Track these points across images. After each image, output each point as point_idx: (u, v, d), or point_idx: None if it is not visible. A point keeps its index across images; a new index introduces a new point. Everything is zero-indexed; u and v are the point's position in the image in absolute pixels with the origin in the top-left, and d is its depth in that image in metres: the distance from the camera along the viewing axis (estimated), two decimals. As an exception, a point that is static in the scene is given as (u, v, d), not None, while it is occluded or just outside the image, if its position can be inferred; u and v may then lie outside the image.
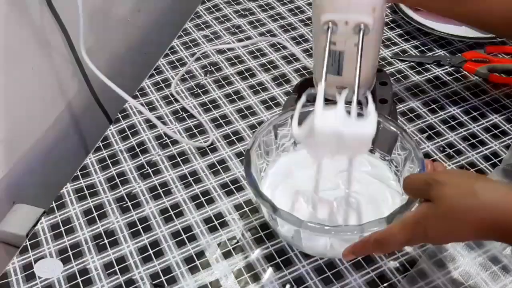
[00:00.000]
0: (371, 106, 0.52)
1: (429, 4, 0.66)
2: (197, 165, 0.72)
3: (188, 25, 0.95)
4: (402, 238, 0.49)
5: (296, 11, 0.97)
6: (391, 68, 0.84)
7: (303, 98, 0.56)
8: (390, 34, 0.90)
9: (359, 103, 0.53)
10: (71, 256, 0.63)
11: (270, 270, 0.60)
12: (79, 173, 0.72)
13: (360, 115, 0.53)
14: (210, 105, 0.80)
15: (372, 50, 0.65)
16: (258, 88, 0.82)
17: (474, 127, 0.74)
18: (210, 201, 0.68)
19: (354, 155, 0.58)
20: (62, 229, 0.66)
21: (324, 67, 0.57)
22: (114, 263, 0.62)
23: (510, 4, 0.62)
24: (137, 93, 0.83)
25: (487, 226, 0.45)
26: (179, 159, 0.73)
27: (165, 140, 0.75)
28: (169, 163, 0.72)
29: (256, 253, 0.62)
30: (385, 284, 0.58)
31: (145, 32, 1.03)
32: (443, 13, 0.69)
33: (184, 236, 0.64)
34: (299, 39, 0.91)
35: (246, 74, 0.85)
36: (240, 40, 0.91)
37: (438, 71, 0.83)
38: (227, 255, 0.62)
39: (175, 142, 0.75)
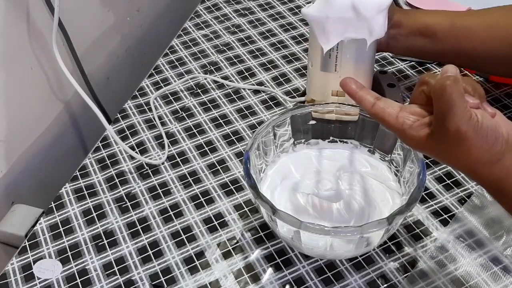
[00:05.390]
0: None
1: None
2: (196, 165, 0.72)
3: (187, 24, 0.95)
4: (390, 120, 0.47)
5: (296, 10, 0.97)
6: (392, 68, 0.84)
7: None
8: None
9: None
10: (70, 257, 0.63)
11: (270, 271, 0.60)
12: (78, 173, 0.72)
13: None
14: (209, 105, 0.80)
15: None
16: (258, 88, 0.82)
17: (474, 126, 0.74)
18: (210, 201, 0.67)
19: (370, 35, 0.53)
20: (61, 229, 0.65)
21: None
22: (114, 263, 0.62)
23: (495, 44, 0.65)
24: (136, 93, 0.82)
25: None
26: (178, 159, 0.72)
27: (164, 140, 0.75)
28: (168, 163, 0.72)
29: (256, 254, 0.62)
30: (385, 285, 0.58)
31: (144, 31, 1.03)
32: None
33: (183, 237, 0.64)
34: (299, 39, 0.90)
35: (246, 74, 0.84)
36: (240, 40, 0.91)
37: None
38: (226, 255, 0.62)
39: (174, 143, 0.75)
